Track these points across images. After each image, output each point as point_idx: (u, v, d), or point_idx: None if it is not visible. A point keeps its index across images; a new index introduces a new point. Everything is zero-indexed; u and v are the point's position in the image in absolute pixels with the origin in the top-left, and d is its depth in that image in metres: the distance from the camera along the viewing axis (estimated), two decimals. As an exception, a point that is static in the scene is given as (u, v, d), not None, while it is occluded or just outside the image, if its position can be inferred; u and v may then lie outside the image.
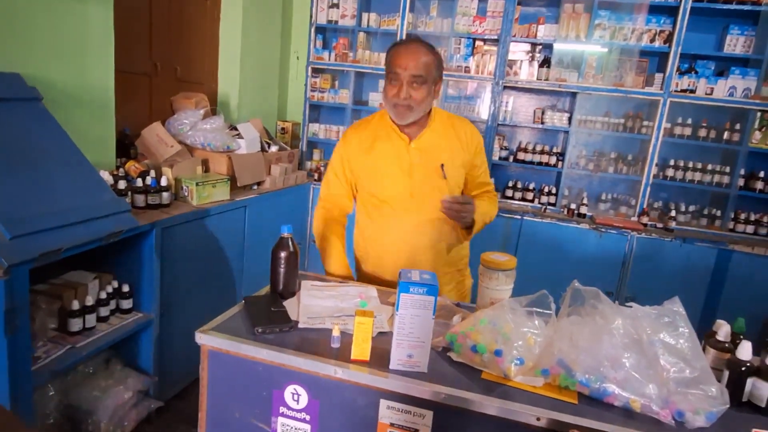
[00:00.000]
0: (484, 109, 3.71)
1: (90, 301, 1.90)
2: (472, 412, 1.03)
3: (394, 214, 1.64)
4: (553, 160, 3.63)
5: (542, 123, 3.62)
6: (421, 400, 1.06)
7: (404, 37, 3.65)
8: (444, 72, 3.56)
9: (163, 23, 2.82)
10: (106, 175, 2.09)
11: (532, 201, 3.66)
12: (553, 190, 3.65)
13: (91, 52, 2.19)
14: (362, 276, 1.78)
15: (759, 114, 3.25)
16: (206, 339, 1.18)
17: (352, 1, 3.78)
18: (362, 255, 1.78)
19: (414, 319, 1.07)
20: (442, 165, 1.60)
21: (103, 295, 1.97)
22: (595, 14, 3.36)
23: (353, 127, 1.74)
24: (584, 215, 3.45)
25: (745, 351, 1.07)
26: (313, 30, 3.88)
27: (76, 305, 1.85)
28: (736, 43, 3.27)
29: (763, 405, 1.05)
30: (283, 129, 3.91)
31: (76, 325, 1.86)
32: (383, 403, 1.08)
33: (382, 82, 3.91)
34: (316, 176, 3.81)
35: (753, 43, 3.24)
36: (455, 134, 1.66)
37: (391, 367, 1.10)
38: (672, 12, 3.28)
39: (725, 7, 3.18)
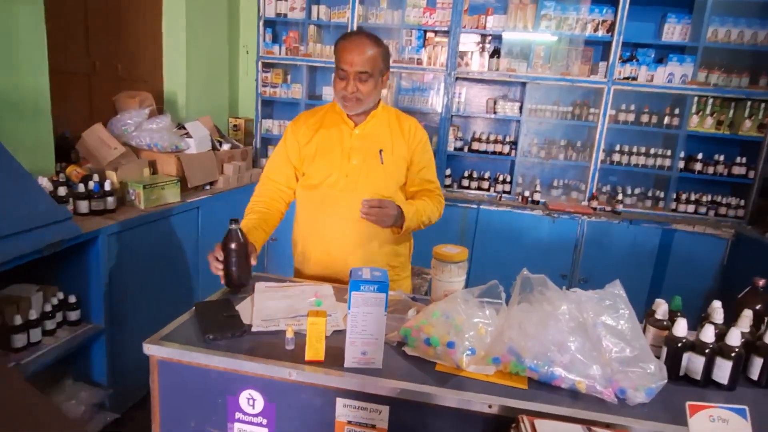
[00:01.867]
0: (437, 101, 3.74)
1: (34, 314, 1.80)
2: (427, 404, 1.04)
3: (330, 194, 1.64)
4: (506, 149, 3.71)
5: (495, 113, 3.69)
6: (377, 396, 1.07)
7: (355, 29, 3.62)
8: (397, 64, 3.54)
9: (100, 19, 2.68)
10: (44, 182, 1.98)
11: (487, 190, 3.73)
12: (508, 179, 3.74)
13: (21, 53, 2.06)
14: (302, 276, 1.76)
15: (696, 99, 3.41)
16: (155, 349, 1.14)
17: (300, -7, 3.72)
18: (300, 250, 1.76)
19: (366, 316, 1.08)
20: (381, 150, 1.65)
21: (48, 308, 1.88)
22: (541, 5, 3.43)
23: (303, 114, 1.77)
24: (538, 202, 3.55)
25: (680, 328, 1.14)
26: (261, 23, 3.79)
27: (18, 320, 1.75)
28: (673, 31, 3.42)
29: (699, 378, 1.11)
30: (235, 126, 3.82)
31: (19, 341, 1.77)
32: (339, 402, 1.08)
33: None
34: (272, 173, 3.75)
35: (689, 30, 3.40)
36: (399, 127, 1.70)
37: (345, 365, 1.10)
38: (614, 2, 3.39)
39: (662, -4, 3.32)
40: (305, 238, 1.72)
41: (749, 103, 3.36)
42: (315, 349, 1.11)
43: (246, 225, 1.59)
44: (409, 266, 1.87)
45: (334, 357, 1.12)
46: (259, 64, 3.85)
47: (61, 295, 1.96)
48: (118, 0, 2.81)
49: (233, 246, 1.39)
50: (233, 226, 1.40)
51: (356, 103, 1.59)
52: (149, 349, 1.14)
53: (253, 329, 1.24)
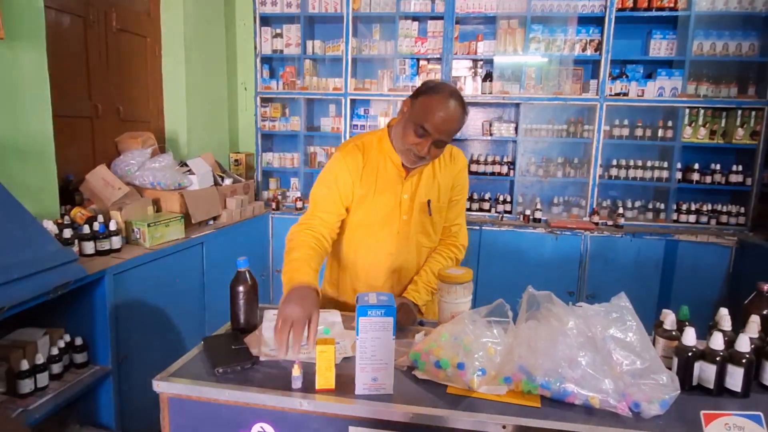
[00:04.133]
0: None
1: (40, 359, 1.80)
2: (440, 427, 1.03)
3: (378, 239, 1.60)
4: (504, 169, 3.74)
5: (491, 134, 3.74)
6: (389, 422, 1.06)
7: (349, 63, 3.71)
8: (392, 93, 3.59)
9: (101, 64, 2.77)
10: (49, 225, 2.00)
11: (489, 211, 3.75)
12: (508, 198, 3.76)
13: (25, 99, 2.12)
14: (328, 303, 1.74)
15: (687, 110, 3.47)
16: (165, 386, 1.14)
17: (295, 29, 3.83)
18: (333, 288, 1.73)
19: (375, 341, 1.08)
20: (429, 201, 1.59)
21: (55, 351, 1.88)
22: (529, 28, 3.53)
23: (352, 146, 1.57)
24: (539, 220, 3.56)
25: (689, 337, 1.13)
26: (258, 60, 3.89)
27: (25, 365, 1.75)
28: (659, 46, 3.50)
29: (712, 386, 1.11)
30: (236, 161, 3.88)
31: (26, 386, 1.76)
32: (352, 430, 1.07)
33: (332, 107, 3.96)
34: (274, 205, 3.78)
35: (675, 45, 3.48)
36: (446, 168, 1.62)
37: (357, 392, 1.10)
38: (599, 22, 3.48)
39: (647, 14, 3.41)
40: (345, 279, 1.67)
41: (740, 111, 3.41)
42: (325, 378, 1.11)
43: (305, 261, 1.41)
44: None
45: (345, 384, 1.12)
46: (258, 99, 3.93)
47: (67, 338, 1.96)
48: (119, 44, 2.90)
49: (241, 288, 1.39)
50: (242, 268, 1.40)
51: (420, 161, 1.49)
52: (159, 386, 1.14)
53: (261, 359, 1.23)
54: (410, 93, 1.53)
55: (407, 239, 1.61)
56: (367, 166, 1.55)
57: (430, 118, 1.39)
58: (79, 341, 1.97)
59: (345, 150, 1.57)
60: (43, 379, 1.80)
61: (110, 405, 2.06)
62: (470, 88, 3.70)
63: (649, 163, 3.59)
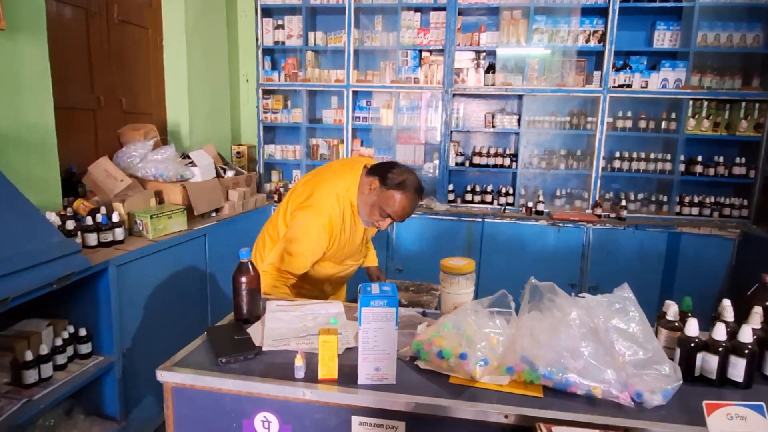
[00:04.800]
0: (436, 118, 3.79)
1: (44, 349, 1.81)
2: (443, 417, 1.04)
3: (342, 269, 1.95)
4: (507, 161, 3.73)
5: (493, 127, 3.73)
6: (392, 412, 1.06)
7: (351, 54, 3.69)
8: (394, 84, 3.66)
9: (102, 55, 2.76)
10: (52, 217, 2.01)
11: (491, 203, 3.74)
12: (510, 191, 3.75)
13: (26, 91, 2.11)
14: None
15: (691, 102, 3.45)
16: (168, 375, 1.14)
17: (297, 21, 3.81)
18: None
19: (377, 332, 1.08)
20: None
21: (59, 342, 1.89)
22: (532, 19, 3.50)
23: (327, 216, 1.74)
24: (542, 212, 3.56)
25: (692, 328, 1.13)
26: (260, 52, 3.88)
27: (29, 356, 1.76)
28: (663, 38, 3.47)
29: (714, 377, 1.11)
30: (238, 153, 3.87)
31: (31, 376, 1.77)
32: (355, 420, 1.08)
33: (334, 99, 3.95)
34: (276, 197, 3.78)
35: (679, 36, 3.45)
36: None
37: (359, 382, 1.10)
38: (603, 13, 3.45)
39: (651, 5, 3.38)
40: (305, 284, 1.91)
41: (744, 103, 3.39)
42: (328, 368, 1.11)
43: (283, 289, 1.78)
44: None
45: (347, 375, 1.12)
46: (260, 91, 3.92)
47: (71, 329, 1.97)
48: (120, 35, 2.88)
49: (244, 279, 1.39)
50: (244, 259, 1.40)
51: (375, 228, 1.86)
52: (163, 375, 1.15)
53: (264, 349, 1.24)
54: (412, 84, 1.65)
55: (357, 257, 2.01)
56: (342, 222, 1.79)
57: (398, 212, 1.70)
58: (83, 332, 1.98)
59: (325, 219, 1.73)
60: (47, 369, 1.81)
61: (114, 395, 2.08)
62: (473, 79, 3.68)
63: (652, 156, 3.57)
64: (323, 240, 1.74)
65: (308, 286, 1.90)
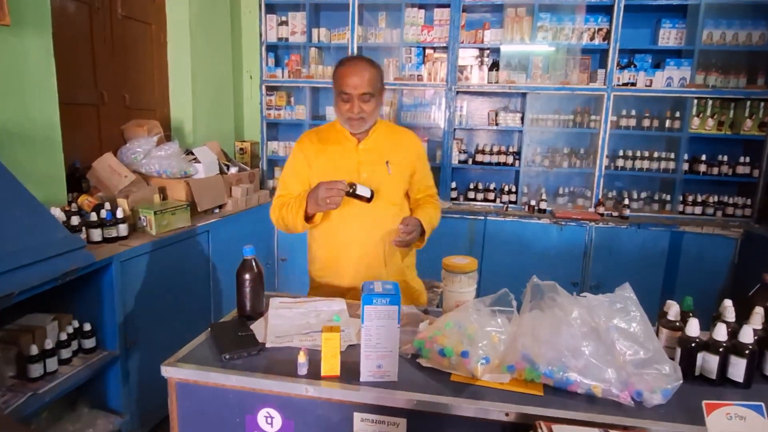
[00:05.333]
0: (440, 115, 3.78)
1: (49, 344, 1.82)
2: (444, 414, 1.05)
3: (345, 208, 1.68)
4: (510, 159, 3.73)
5: (497, 124, 3.72)
6: (394, 408, 1.07)
7: (355, 50, 3.70)
8: (398, 81, 3.65)
9: (106, 51, 2.76)
10: (57, 212, 2.02)
11: (494, 201, 3.75)
12: (513, 189, 3.75)
13: (31, 87, 2.12)
14: (321, 288, 1.82)
15: (695, 101, 3.44)
16: (172, 371, 1.16)
17: (301, 17, 3.80)
18: (320, 266, 1.82)
19: (380, 329, 1.09)
20: (387, 162, 1.75)
21: (64, 337, 1.90)
22: (536, 17, 3.49)
23: (306, 133, 1.86)
24: (544, 210, 3.56)
25: (693, 328, 1.14)
26: (263, 48, 3.88)
27: (34, 350, 1.77)
28: (668, 36, 3.46)
29: (714, 377, 1.11)
30: (241, 149, 3.88)
31: (36, 370, 1.78)
32: (357, 416, 1.09)
33: (337, 96, 3.94)
34: (278, 194, 3.79)
35: (684, 34, 3.43)
36: (398, 140, 1.82)
37: (361, 379, 1.11)
38: (608, 10, 3.44)
39: (656, 2, 3.36)
40: (326, 252, 1.78)
41: (748, 102, 3.37)
42: (330, 364, 1.12)
43: (289, 202, 1.71)
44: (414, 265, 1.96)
45: (349, 372, 1.13)
46: (263, 87, 3.92)
47: (76, 323, 1.98)
48: (124, 31, 2.89)
49: (248, 276, 1.40)
50: (248, 256, 1.41)
51: (361, 122, 1.69)
52: (167, 371, 1.16)
53: (267, 345, 1.25)
54: (416, 81, 1.64)
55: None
56: (319, 141, 1.77)
57: (344, 82, 1.64)
58: (87, 327, 2.00)
59: (299, 139, 1.83)
60: (52, 363, 1.83)
61: (118, 389, 2.10)
62: (476, 77, 3.67)
63: (655, 154, 3.57)
64: (301, 153, 1.76)
65: (328, 244, 1.77)
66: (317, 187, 1.60)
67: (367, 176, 1.71)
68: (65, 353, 1.90)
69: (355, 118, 1.67)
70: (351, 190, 1.58)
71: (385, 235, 1.72)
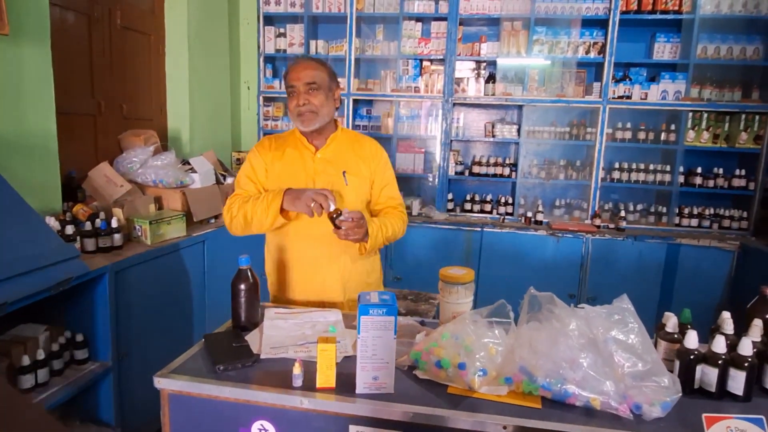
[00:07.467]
0: (436, 127, 3.80)
1: (41, 354, 1.80)
2: (441, 427, 1.03)
3: (297, 221, 1.66)
4: (506, 171, 3.74)
5: (493, 136, 3.74)
6: (390, 421, 1.06)
7: (352, 63, 3.72)
8: (395, 93, 3.64)
9: (104, 61, 2.77)
10: (52, 221, 2.01)
11: (490, 212, 3.75)
12: (510, 200, 3.76)
13: (28, 96, 2.12)
14: (277, 300, 1.77)
15: (690, 114, 3.46)
16: (165, 383, 1.14)
17: (299, 29, 3.83)
18: (276, 279, 1.79)
19: (376, 340, 1.08)
20: (344, 172, 1.69)
21: (56, 347, 1.88)
22: (532, 30, 3.53)
23: (266, 137, 1.81)
24: (541, 222, 3.56)
25: (692, 340, 1.13)
26: (261, 60, 3.90)
27: (26, 361, 1.75)
28: (663, 49, 3.50)
29: (713, 390, 1.10)
30: (238, 160, 3.88)
31: (27, 381, 1.76)
32: (353, 429, 1.07)
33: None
34: (275, 204, 3.78)
35: (679, 48, 3.47)
36: (360, 147, 1.75)
37: (357, 391, 1.10)
38: (603, 24, 3.48)
39: (651, 17, 3.41)
40: (279, 263, 1.75)
41: (743, 116, 3.40)
42: (326, 376, 1.11)
43: (254, 196, 1.66)
44: (382, 284, 1.89)
45: (345, 383, 1.12)
46: (260, 98, 3.94)
47: (68, 334, 1.96)
48: (122, 41, 2.90)
49: (243, 286, 1.39)
50: (243, 266, 1.40)
51: (311, 116, 1.63)
52: (160, 382, 1.14)
53: (262, 356, 1.24)
54: (412, 93, 1.61)
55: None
56: (277, 148, 1.73)
57: (288, 76, 1.64)
58: (80, 338, 1.97)
59: (259, 142, 1.80)
60: (43, 374, 1.80)
61: (110, 401, 2.06)
62: (473, 89, 3.70)
63: (651, 167, 3.59)
64: (259, 156, 1.72)
65: (291, 254, 1.72)
66: (301, 189, 1.58)
67: (322, 186, 1.65)
68: (57, 364, 1.88)
69: (303, 111, 1.62)
70: (335, 215, 1.51)
71: (340, 255, 1.68)
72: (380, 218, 1.71)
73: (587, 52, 3.54)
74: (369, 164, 1.74)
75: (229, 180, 3.26)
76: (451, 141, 3.77)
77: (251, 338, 1.34)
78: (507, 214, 3.70)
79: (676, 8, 3.37)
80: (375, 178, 1.75)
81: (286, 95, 1.70)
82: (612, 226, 3.49)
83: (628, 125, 3.57)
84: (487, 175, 3.76)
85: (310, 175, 1.68)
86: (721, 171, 3.48)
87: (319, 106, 1.63)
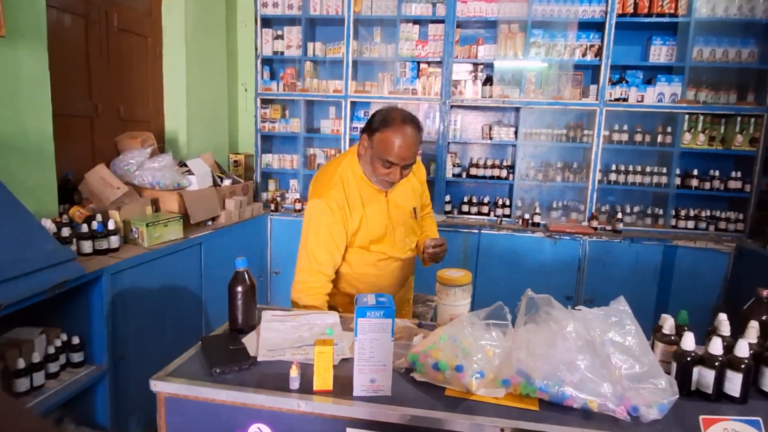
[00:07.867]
0: (434, 129, 3.80)
1: (37, 357, 1.79)
2: (438, 429, 1.03)
3: (381, 259, 1.75)
4: (504, 173, 3.75)
5: (490, 138, 3.75)
6: (387, 424, 1.05)
7: (350, 65, 3.72)
8: (392, 95, 3.67)
9: (101, 63, 2.76)
10: (48, 224, 2.00)
11: (487, 214, 3.75)
12: (507, 202, 3.76)
13: (25, 98, 2.11)
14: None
15: (686, 116, 3.48)
16: (162, 385, 1.13)
17: (296, 31, 3.84)
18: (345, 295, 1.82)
19: (373, 342, 1.08)
20: (414, 209, 1.81)
21: (51, 350, 1.87)
22: (529, 33, 3.54)
23: (326, 190, 1.64)
24: (538, 224, 3.57)
25: (688, 342, 1.13)
26: (259, 62, 3.90)
27: (21, 363, 1.74)
28: (659, 52, 3.51)
29: (710, 392, 1.10)
30: (235, 162, 3.87)
31: (22, 385, 1.75)
32: (350, 432, 1.07)
33: (332, 109, 3.97)
34: (272, 207, 3.78)
35: (675, 51, 3.49)
36: (413, 176, 1.81)
37: (354, 393, 1.09)
38: (599, 27, 3.49)
39: (647, 20, 3.42)
40: (354, 286, 1.78)
41: (739, 118, 3.42)
42: (323, 379, 1.10)
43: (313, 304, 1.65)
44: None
45: (342, 386, 1.11)
46: (258, 100, 3.94)
47: (64, 337, 1.95)
48: (119, 43, 2.89)
49: (240, 288, 1.39)
50: (240, 268, 1.40)
51: (392, 184, 1.67)
52: (156, 385, 1.14)
53: (259, 359, 1.23)
54: (410, 95, 1.63)
55: (403, 243, 1.79)
56: (350, 198, 1.65)
57: (391, 151, 1.54)
58: (75, 340, 1.96)
59: (328, 197, 1.62)
60: (39, 378, 1.79)
61: (105, 404, 2.05)
62: (470, 91, 3.71)
63: (648, 169, 3.60)
64: (336, 218, 1.60)
65: (360, 286, 1.73)
66: None
67: (401, 231, 1.76)
68: (53, 367, 1.87)
69: (392, 182, 1.63)
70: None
71: (408, 279, 1.91)
72: (431, 229, 1.92)
73: (584, 54, 3.55)
74: (419, 184, 1.86)
75: (227, 182, 3.26)
76: (449, 143, 3.77)
77: (248, 341, 1.34)
78: (504, 216, 3.70)
79: (672, 11, 3.39)
80: (423, 190, 1.88)
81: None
82: (609, 228, 3.50)
83: (625, 127, 3.58)
84: (484, 177, 3.76)
85: (391, 225, 1.73)
86: (717, 173, 3.49)
87: (404, 177, 1.65)
